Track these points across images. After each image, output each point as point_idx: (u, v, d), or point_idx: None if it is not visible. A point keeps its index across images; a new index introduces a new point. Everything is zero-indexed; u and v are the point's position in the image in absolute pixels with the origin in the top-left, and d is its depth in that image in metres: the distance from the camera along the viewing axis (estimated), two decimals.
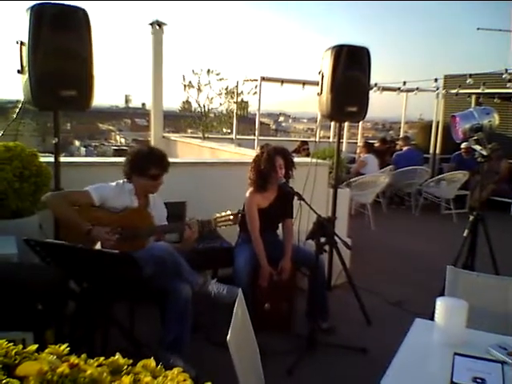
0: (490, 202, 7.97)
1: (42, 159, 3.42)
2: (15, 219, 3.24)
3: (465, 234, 3.60)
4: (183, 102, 10.00)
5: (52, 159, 3.29)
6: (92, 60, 3.10)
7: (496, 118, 3.49)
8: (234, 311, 1.70)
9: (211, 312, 3.40)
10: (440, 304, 1.81)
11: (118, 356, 0.96)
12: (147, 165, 2.98)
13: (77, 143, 41.12)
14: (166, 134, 8.34)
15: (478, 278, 2.40)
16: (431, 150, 10.11)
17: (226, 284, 3.12)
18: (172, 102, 10.75)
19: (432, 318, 3.53)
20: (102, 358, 0.94)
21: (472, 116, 3.49)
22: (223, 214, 3.01)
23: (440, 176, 8.42)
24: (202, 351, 3.24)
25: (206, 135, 8.75)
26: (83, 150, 36.91)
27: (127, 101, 60.35)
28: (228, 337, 1.47)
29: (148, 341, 3.04)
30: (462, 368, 1.59)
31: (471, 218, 3.61)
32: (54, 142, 3.15)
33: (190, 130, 10.49)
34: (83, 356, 0.92)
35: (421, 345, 1.83)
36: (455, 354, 1.69)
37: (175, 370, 0.93)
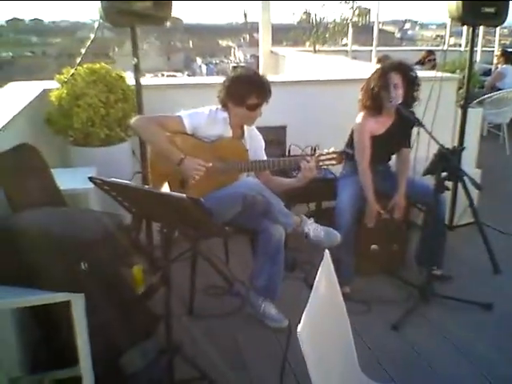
0: None
1: (128, 82, 3.18)
2: (106, 147, 3.09)
3: None
4: (301, 14, 9.19)
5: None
6: None
7: None
8: (316, 281, 1.31)
9: (310, 250, 3.08)
10: None
11: None
12: (246, 92, 2.58)
13: (199, 61, 41.81)
14: (275, 49, 7.76)
15: None
16: None
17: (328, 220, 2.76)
18: (292, 14, 9.85)
19: None
20: None
21: None
22: (325, 151, 2.55)
23: None
24: (298, 293, 2.95)
25: (317, 48, 8.00)
26: (204, 67, 37.43)
27: (245, 16, 59.19)
28: (299, 328, 1.10)
29: (243, 277, 2.84)
30: None
31: None
32: (133, 62, 2.85)
33: (307, 43, 9.72)
34: None
35: None
36: None
37: None
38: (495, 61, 7.79)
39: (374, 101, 2.94)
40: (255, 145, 2.80)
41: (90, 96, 2.93)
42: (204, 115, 2.63)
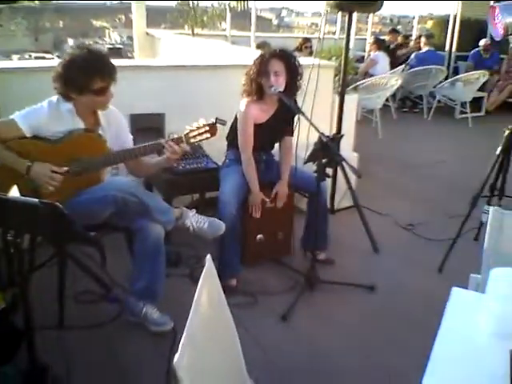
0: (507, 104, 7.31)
1: None
2: None
3: (497, 152, 3.02)
4: None
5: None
6: None
7: None
8: (196, 298, 1.14)
9: (195, 244, 2.92)
10: (495, 279, 1.26)
11: None
12: (88, 77, 2.19)
13: (70, 41, 38.99)
14: (150, 31, 7.37)
15: None
16: (447, 48, 9.16)
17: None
18: None
19: (452, 245, 3.04)
20: None
21: None
22: (195, 125, 2.31)
23: (456, 77, 7.60)
24: (183, 291, 2.79)
25: (196, 32, 7.78)
26: None
27: None
28: (175, 359, 0.93)
29: (123, 282, 2.59)
30: None
31: (507, 132, 3.00)
32: None
33: (186, 26, 9.40)
34: None
35: (465, 334, 1.30)
36: None
37: None
38: (368, 48, 8.18)
39: (256, 87, 2.83)
40: (116, 129, 2.46)
41: None
42: (43, 110, 2.25)
